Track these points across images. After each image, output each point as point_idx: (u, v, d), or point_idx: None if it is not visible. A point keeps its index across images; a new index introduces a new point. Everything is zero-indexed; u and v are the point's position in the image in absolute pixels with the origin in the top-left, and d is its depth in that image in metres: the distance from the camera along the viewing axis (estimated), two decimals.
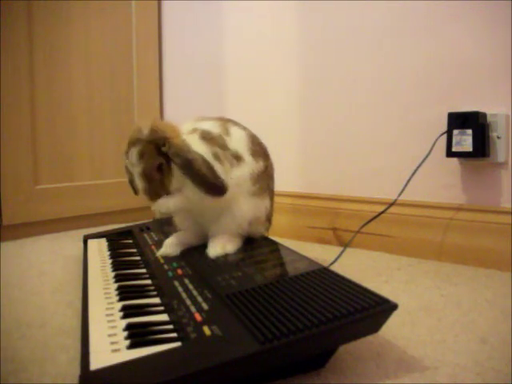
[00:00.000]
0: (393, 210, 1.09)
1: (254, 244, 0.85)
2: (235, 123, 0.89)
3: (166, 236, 0.91)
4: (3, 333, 0.67)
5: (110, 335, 0.54)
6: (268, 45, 1.40)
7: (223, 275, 0.67)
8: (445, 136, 1.05)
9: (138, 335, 0.54)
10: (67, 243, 1.25)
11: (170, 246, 0.85)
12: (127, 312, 0.61)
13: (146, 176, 0.76)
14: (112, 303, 0.65)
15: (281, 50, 1.37)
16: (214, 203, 0.80)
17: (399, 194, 1.07)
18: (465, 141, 1.01)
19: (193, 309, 0.58)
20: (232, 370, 0.47)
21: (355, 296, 0.55)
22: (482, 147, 1.00)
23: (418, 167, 1.06)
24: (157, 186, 0.77)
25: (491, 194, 1.02)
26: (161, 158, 0.76)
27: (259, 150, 0.88)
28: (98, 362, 0.48)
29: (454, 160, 1.06)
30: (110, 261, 0.89)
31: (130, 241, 1.06)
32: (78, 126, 1.48)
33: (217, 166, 0.78)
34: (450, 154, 1.04)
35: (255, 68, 1.44)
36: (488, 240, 1.00)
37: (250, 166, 0.84)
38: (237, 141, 0.84)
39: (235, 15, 1.48)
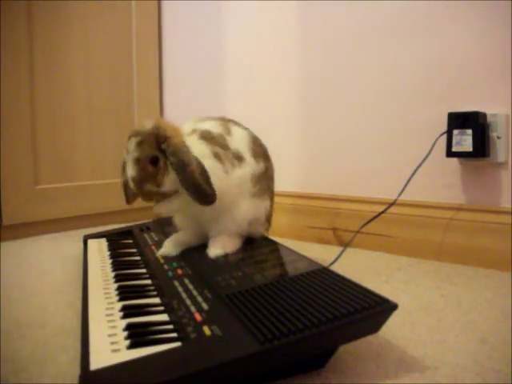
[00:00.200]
0: (393, 209, 1.09)
1: (254, 244, 0.85)
2: (236, 123, 0.89)
3: (166, 236, 0.91)
4: (3, 333, 0.67)
5: (109, 335, 0.54)
6: (268, 45, 1.40)
7: (223, 275, 0.67)
8: (445, 136, 1.05)
9: (138, 335, 0.54)
10: (67, 243, 1.25)
11: (169, 246, 0.85)
12: (127, 312, 0.61)
13: (138, 164, 0.74)
14: (112, 303, 0.65)
15: (281, 50, 1.37)
16: (214, 204, 0.80)
17: (399, 194, 1.07)
18: (465, 141, 1.01)
19: (193, 309, 0.58)
20: (232, 370, 0.47)
21: (355, 296, 0.55)
22: (482, 147, 1.00)
23: (418, 167, 1.06)
24: (146, 177, 0.75)
25: (491, 194, 1.02)
26: (158, 152, 0.75)
27: (260, 150, 0.88)
28: (98, 362, 0.48)
29: (454, 160, 1.06)
30: (110, 261, 0.89)
31: (130, 241, 1.06)
32: (78, 126, 1.48)
33: (216, 170, 0.78)
34: (449, 154, 1.04)
35: (255, 68, 1.44)
36: (488, 240, 1.00)
37: (251, 166, 0.84)
38: (238, 141, 0.84)
39: (235, 15, 1.48)
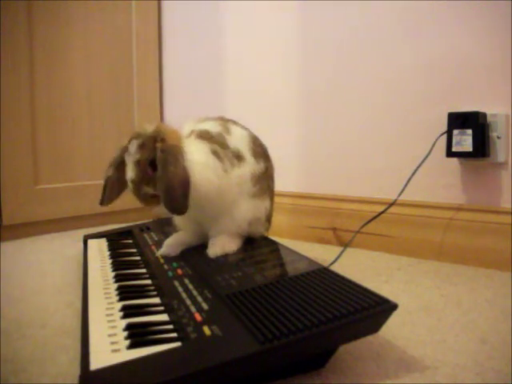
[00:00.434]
0: (393, 209, 1.09)
1: (254, 244, 0.85)
2: (236, 123, 0.88)
3: (166, 236, 0.91)
4: (3, 333, 0.67)
5: (110, 335, 0.54)
6: (268, 45, 1.40)
7: (223, 275, 0.67)
8: (445, 136, 1.05)
9: (137, 335, 0.54)
10: (67, 243, 1.25)
11: (169, 246, 0.85)
12: (127, 312, 0.61)
13: (138, 166, 0.74)
14: (112, 303, 0.65)
15: (281, 50, 1.37)
16: (213, 204, 0.80)
17: (399, 194, 1.07)
18: (465, 141, 1.01)
19: (193, 309, 0.58)
20: (232, 370, 0.47)
21: (355, 296, 0.55)
22: (482, 147, 1.00)
23: (418, 167, 1.06)
24: (145, 180, 0.74)
25: (491, 194, 1.02)
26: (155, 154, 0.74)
27: (260, 150, 0.88)
28: (98, 362, 0.48)
29: (454, 160, 1.06)
30: (110, 261, 0.89)
31: (130, 241, 1.06)
32: (78, 126, 1.48)
33: (215, 168, 0.77)
34: (449, 154, 1.04)
35: (255, 68, 1.44)
36: (488, 240, 1.00)
37: (251, 166, 0.84)
38: (238, 140, 0.84)
39: (235, 15, 1.48)
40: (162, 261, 0.81)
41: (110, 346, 0.52)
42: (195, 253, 0.82)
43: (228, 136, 0.83)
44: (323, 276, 0.63)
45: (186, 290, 0.65)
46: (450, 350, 0.61)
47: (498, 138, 1.00)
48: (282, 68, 1.37)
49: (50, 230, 1.39)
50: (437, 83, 1.08)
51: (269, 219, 0.90)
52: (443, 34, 1.06)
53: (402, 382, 0.53)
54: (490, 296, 0.82)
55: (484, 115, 1.00)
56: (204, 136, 0.80)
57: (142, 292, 0.70)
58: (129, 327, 0.56)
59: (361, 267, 1.02)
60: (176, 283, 0.69)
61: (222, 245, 0.81)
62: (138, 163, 0.74)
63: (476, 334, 0.66)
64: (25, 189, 1.34)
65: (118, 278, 0.77)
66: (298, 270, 0.66)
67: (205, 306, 0.59)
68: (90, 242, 1.07)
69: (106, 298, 0.68)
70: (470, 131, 1.00)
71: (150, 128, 0.76)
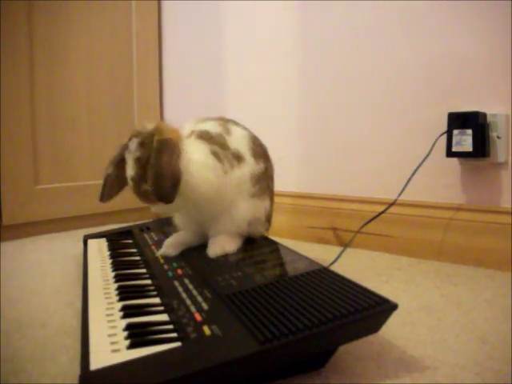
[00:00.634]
0: (393, 209, 1.09)
1: (254, 244, 0.85)
2: (236, 123, 0.88)
3: (166, 236, 0.91)
4: (3, 333, 0.67)
5: (109, 335, 0.54)
6: (268, 45, 1.40)
7: (223, 275, 0.67)
8: (445, 136, 1.05)
9: (137, 335, 0.54)
10: (67, 243, 1.25)
11: (170, 246, 0.85)
12: (127, 312, 0.61)
13: (138, 164, 0.74)
14: (112, 303, 0.65)
15: (281, 51, 1.37)
16: (213, 204, 0.80)
17: (399, 194, 1.07)
18: (465, 141, 1.01)
19: (193, 309, 0.58)
20: (232, 370, 0.47)
21: (355, 296, 0.55)
22: (482, 147, 1.00)
23: (418, 167, 1.06)
24: (145, 178, 0.74)
25: (491, 194, 1.02)
26: None
27: (260, 150, 0.88)
28: (98, 362, 0.48)
29: (454, 160, 1.06)
30: (110, 261, 0.89)
31: (130, 241, 1.06)
32: (78, 126, 1.48)
33: (215, 168, 0.78)
34: (449, 154, 1.04)
35: (255, 68, 1.44)
36: (488, 240, 1.00)
37: (250, 166, 0.84)
38: (238, 140, 0.84)
39: (235, 15, 1.48)
40: (161, 261, 0.81)
41: (109, 346, 0.52)
42: (195, 253, 0.82)
43: (228, 136, 0.83)
44: (323, 276, 0.63)
45: (186, 289, 0.65)
46: (450, 350, 0.61)
47: (498, 137, 1.00)
48: (282, 68, 1.37)
49: (50, 229, 1.40)
50: (437, 83, 1.08)
51: (269, 219, 0.90)
52: (443, 34, 1.06)
53: (402, 381, 0.53)
54: (490, 296, 0.82)
55: (484, 115, 1.00)
56: (204, 136, 0.80)
57: (141, 292, 0.70)
58: (129, 327, 0.56)
59: (361, 267, 1.02)
60: (176, 283, 0.69)
61: (221, 245, 0.81)
62: (137, 161, 0.74)
63: (476, 334, 0.66)
64: (25, 189, 1.34)
65: (118, 278, 0.77)
66: (297, 270, 0.66)
67: (205, 305, 0.59)
68: (90, 241, 1.07)
69: (106, 298, 0.68)
70: (470, 131, 1.00)
71: (150, 126, 0.76)
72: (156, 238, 0.97)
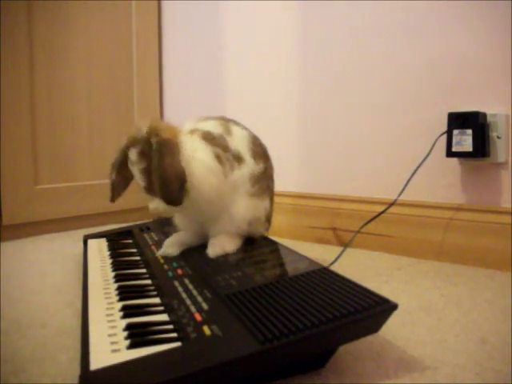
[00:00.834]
0: (393, 210, 1.09)
1: (254, 244, 0.85)
2: (236, 123, 0.89)
3: (166, 236, 0.91)
4: (3, 333, 0.67)
5: (110, 335, 0.54)
6: (268, 45, 1.40)
7: (223, 275, 0.67)
8: (445, 136, 1.05)
9: (137, 335, 0.54)
10: (67, 243, 1.25)
11: (170, 246, 0.85)
12: (127, 312, 0.61)
13: (147, 173, 0.76)
14: (112, 303, 0.65)
15: (281, 51, 1.37)
16: (212, 204, 0.80)
17: (399, 194, 1.07)
18: (465, 141, 1.01)
19: (193, 309, 0.58)
20: (232, 370, 0.47)
21: (355, 296, 0.55)
22: (482, 147, 1.00)
23: (418, 167, 1.06)
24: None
25: (491, 194, 1.02)
26: None
27: (260, 150, 0.88)
28: (98, 361, 0.48)
29: (454, 160, 1.06)
30: (110, 261, 0.89)
31: (130, 241, 1.06)
32: (78, 126, 1.48)
33: (217, 172, 0.78)
34: (449, 154, 1.04)
35: (255, 68, 1.44)
36: (488, 240, 1.00)
37: (250, 167, 0.84)
38: (238, 141, 0.84)
39: (235, 15, 1.48)
40: (161, 261, 0.81)
41: (109, 346, 0.52)
42: (195, 253, 0.82)
43: (229, 137, 0.83)
44: (323, 276, 0.63)
45: (186, 289, 0.65)
46: (450, 349, 0.61)
47: (498, 137, 1.00)
48: (282, 68, 1.37)
49: (50, 229, 1.39)
50: (437, 83, 1.08)
51: (269, 219, 0.90)
52: (443, 34, 1.06)
53: (402, 381, 0.53)
54: (490, 296, 0.82)
55: (484, 115, 1.00)
56: (207, 138, 0.81)
57: (142, 292, 0.70)
58: (129, 327, 0.56)
59: (361, 267, 1.02)
60: (176, 283, 0.69)
61: (221, 245, 0.81)
62: (144, 171, 0.76)
63: (476, 333, 0.66)
64: (25, 189, 1.34)
65: (118, 278, 0.77)
66: (298, 269, 0.66)
67: (205, 305, 0.59)
68: (90, 241, 1.07)
69: (106, 298, 0.68)
70: (470, 131, 1.00)
71: (144, 127, 0.76)
72: (156, 238, 0.97)
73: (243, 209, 0.83)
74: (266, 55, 1.41)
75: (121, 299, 0.67)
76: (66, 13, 1.43)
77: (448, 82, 1.06)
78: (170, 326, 0.56)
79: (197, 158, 0.77)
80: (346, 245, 1.08)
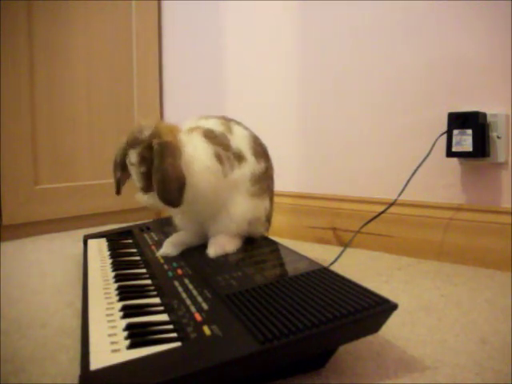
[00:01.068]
0: (393, 209, 1.09)
1: (254, 244, 0.85)
2: (237, 122, 0.89)
3: (166, 236, 0.91)
4: (3, 333, 0.67)
5: (110, 335, 0.54)
6: (268, 45, 1.40)
7: (223, 275, 0.67)
8: (445, 136, 1.05)
9: (137, 335, 0.54)
10: (67, 243, 1.25)
11: (169, 246, 0.85)
12: (127, 312, 0.61)
13: (145, 176, 0.76)
14: (112, 303, 0.65)
15: (281, 51, 1.37)
16: (211, 203, 0.80)
17: (399, 194, 1.07)
18: (465, 141, 1.01)
19: (193, 309, 0.58)
20: (232, 370, 0.47)
21: (355, 296, 0.55)
22: (482, 147, 1.00)
23: (418, 167, 1.06)
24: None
25: (491, 194, 1.02)
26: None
27: (261, 150, 0.88)
28: (98, 361, 0.48)
29: (454, 160, 1.06)
30: (110, 261, 0.89)
31: (130, 241, 1.06)
32: (78, 126, 1.48)
33: (217, 171, 0.78)
34: (449, 154, 1.04)
35: (255, 68, 1.44)
36: (488, 240, 1.00)
37: (251, 166, 0.84)
38: (240, 140, 0.84)
39: (235, 15, 1.48)
40: (161, 261, 0.81)
41: (109, 346, 0.52)
42: (195, 253, 0.82)
43: (230, 136, 0.83)
44: (323, 276, 0.63)
45: (186, 289, 0.65)
46: (450, 349, 0.61)
47: (498, 137, 1.00)
48: (282, 68, 1.37)
49: (50, 229, 1.40)
50: (437, 83, 1.08)
51: (269, 219, 0.90)
52: (443, 34, 1.06)
53: (402, 381, 0.53)
54: (490, 296, 0.82)
55: (484, 115, 1.00)
56: (208, 135, 0.81)
57: (141, 292, 0.70)
58: (129, 327, 0.56)
59: (361, 267, 1.02)
60: (176, 283, 0.69)
61: (221, 245, 0.81)
62: (143, 173, 0.76)
63: (476, 334, 0.66)
64: (25, 189, 1.34)
65: (118, 278, 0.77)
66: (298, 269, 0.66)
67: (205, 305, 0.59)
68: (90, 241, 1.07)
69: (106, 297, 0.68)
70: (469, 131, 1.00)
71: (147, 130, 0.76)
72: (156, 238, 0.97)
73: (243, 209, 0.83)
74: (265, 55, 1.41)
75: (121, 299, 0.67)
76: (66, 13, 1.43)
77: (448, 82, 1.06)
78: (170, 326, 0.56)
79: (196, 156, 0.77)
80: (346, 245, 1.08)
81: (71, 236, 1.33)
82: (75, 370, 0.52)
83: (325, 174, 1.30)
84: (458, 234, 1.04)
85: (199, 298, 0.61)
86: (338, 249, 1.08)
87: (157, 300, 0.66)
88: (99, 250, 0.99)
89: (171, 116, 1.69)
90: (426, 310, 0.76)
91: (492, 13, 0.99)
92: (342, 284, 0.59)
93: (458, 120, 1.01)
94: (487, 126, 1.00)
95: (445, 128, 1.05)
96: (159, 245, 0.88)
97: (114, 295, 0.69)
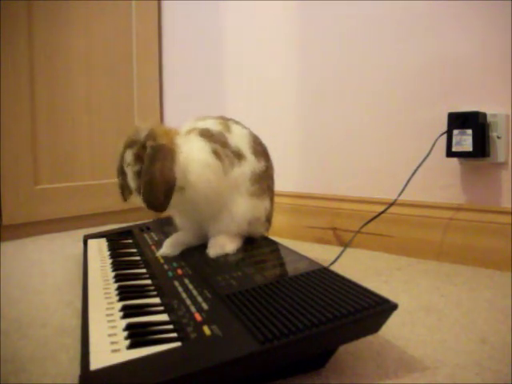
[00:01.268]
0: (393, 210, 1.09)
1: (254, 244, 0.85)
2: (236, 122, 0.89)
3: (166, 236, 0.91)
4: (3, 333, 0.67)
5: (109, 335, 0.54)
6: (268, 45, 1.40)
7: (223, 275, 0.67)
8: (445, 136, 1.05)
9: (137, 335, 0.54)
10: (67, 243, 1.25)
11: (169, 246, 0.85)
12: (127, 312, 0.61)
13: (139, 176, 0.76)
14: (112, 303, 0.65)
15: (281, 50, 1.37)
16: (211, 203, 0.80)
17: (399, 194, 1.07)
18: (465, 141, 1.01)
19: (193, 309, 0.58)
20: (232, 370, 0.47)
21: (355, 296, 0.55)
22: (482, 147, 1.00)
23: (418, 167, 1.06)
24: None
25: (491, 194, 1.02)
26: None
27: (260, 149, 0.88)
28: (98, 361, 0.48)
29: (454, 160, 1.06)
30: (110, 261, 0.89)
31: (130, 241, 1.06)
32: (78, 126, 1.48)
33: (215, 168, 0.78)
34: (449, 153, 1.04)
35: (255, 68, 1.44)
36: (488, 240, 1.00)
37: (251, 164, 0.84)
38: (238, 138, 0.84)
39: (235, 15, 1.48)
40: (161, 261, 0.81)
41: (109, 346, 0.52)
42: (195, 253, 0.82)
43: (229, 134, 0.83)
44: (323, 276, 0.63)
45: (186, 289, 0.65)
46: (450, 349, 0.61)
47: (498, 137, 1.00)
48: (282, 68, 1.37)
49: (51, 229, 1.40)
50: (437, 83, 1.08)
51: (269, 219, 0.90)
52: (443, 33, 1.06)
53: (402, 381, 0.53)
54: (490, 296, 0.82)
55: (484, 115, 1.00)
56: (205, 134, 0.80)
57: (141, 292, 0.70)
58: (129, 327, 0.56)
59: (361, 267, 1.02)
60: (176, 283, 0.69)
61: (221, 245, 0.81)
62: (138, 174, 0.76)
63: (476, 334, 0.66)
64: (25, 189, 1.34)
65: (118, 278, 0.77)
66: (298, 269, 0.66)
67: (205, 305, 0.59)
68: (90, 241, 1.07)
69: (106, 297, 0.68)
70: (469, 131, 1.00)
71: (143, 130, 0.76)
72: (156, 238, 0.98)
73: (243, 209, 0.83)
74: (266, 55, 1.41)
75: (121, 299, 0.67)
76: (66, 13, 1.43)
77: (448, 82, 1.06)
78: (170, 326, 0.56)
79: (194, 156, 0.77)
80: (345, 245, 1.08)
81: (71, 236, 1.34)
82: (75, 370, 0.52)
83: (325, 173, 1.30)
84: (457, 234, 1.04)
85: (199, 298, 0.61)
86: (338, 249, 1.08)
87: (157, 300, 0.66)
88: (99, 250, 0.99)
89: (171, 116, 1.69)
90: (426, 310, 0.76)
91: (492, 12, 0.99)
92: (341, 284, 0.59)
93: (458, 120, 1.01)
94: (487, 126, 1.00)
95: (445, 128, 1.05)
96: (159, 245, 0.88)
97: (114, 295, 0.69)
